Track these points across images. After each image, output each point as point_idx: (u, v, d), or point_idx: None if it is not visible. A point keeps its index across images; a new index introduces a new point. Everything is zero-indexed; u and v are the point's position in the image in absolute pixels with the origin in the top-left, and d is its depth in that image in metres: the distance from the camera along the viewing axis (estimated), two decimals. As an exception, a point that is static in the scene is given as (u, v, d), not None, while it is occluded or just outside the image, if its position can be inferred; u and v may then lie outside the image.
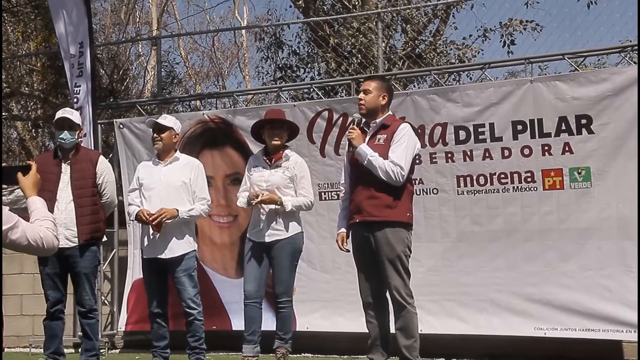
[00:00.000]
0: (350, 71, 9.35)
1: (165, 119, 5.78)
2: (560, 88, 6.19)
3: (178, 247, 5.58)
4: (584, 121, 6.11)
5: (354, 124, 4.93)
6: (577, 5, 10.07)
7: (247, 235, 5.67)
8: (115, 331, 7.95)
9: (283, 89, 8.34)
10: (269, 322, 5.89)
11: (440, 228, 6.64)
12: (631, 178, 5.94)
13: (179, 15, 23.50)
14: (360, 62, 9.55)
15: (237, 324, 6.74)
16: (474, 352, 6.52)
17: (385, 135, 4.83)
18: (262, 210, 5.51)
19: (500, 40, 10.68)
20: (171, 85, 15.14)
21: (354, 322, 6.12)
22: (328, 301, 6.96)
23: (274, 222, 5.51)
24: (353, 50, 9.78)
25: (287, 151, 5.63)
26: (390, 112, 5.02)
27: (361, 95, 4.94)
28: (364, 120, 4.97)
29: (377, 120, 4.90)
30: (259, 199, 5.41)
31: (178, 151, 5.84)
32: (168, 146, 5.71)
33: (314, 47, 11.14)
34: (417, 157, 5.07)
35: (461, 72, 9.52)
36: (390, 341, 4.96)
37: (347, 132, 4.96)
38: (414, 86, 10.11)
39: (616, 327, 6.01)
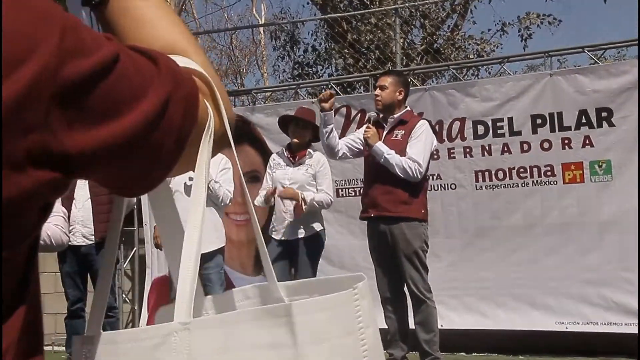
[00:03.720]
0: (368, 67, 9.33)
1: None
2: (580, 81, 6.16)
3: (210, 243, 5.58)
4: (604, 114, 6.07)
5: (370, 123, 4.93)
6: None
7: (270, 234, 5.68)
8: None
9: (301, 85, 8.34)
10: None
11: (459, 223, 6.63)
12: (652, 170, 5.90)
13: (197, 14, 23.55)
14: (378, 57, 9.53)
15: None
16: (495, 347, 6.48)
17: (403, 131, 4.83)
18: (283, 207, 5.50)
19: (518, 35, 10.62)
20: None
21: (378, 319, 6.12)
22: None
23: (297, 220, 5.51)
24: (371, 46, 9.75)
25: (310, 149, 5.63)
26: (408, 108, 5.02)
27: (377, 91, 4.95)
28: (381, 115, 4.96)
29: (395, 116, 4.90)
30: (278, 193, 5.40)
31: None
32: None
33: (331, 44, 11.13)
34: (433, 153, 5.06)
35: (480, 67, 9.48)
36: (409, 336, 4.96)
37: (364, 130, 4.95)
38: (432, 81, 10.07)
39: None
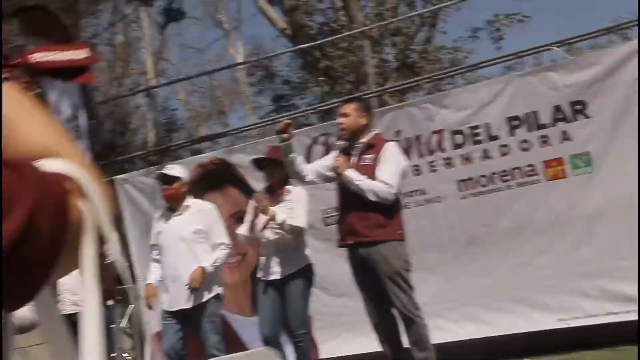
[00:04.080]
0: (344, 92, 9.40)
1: (172, 169, 5.85)
2: (552, 78, 6.21)
3: (199, 295, 5.61)
4: (579, 107, 6.12)
5: (338, 152, 4.96)
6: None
7: (258, 275, 5.69)
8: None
9: (276, 120, 8.38)
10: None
11: (449, 235, 6.63)
12: (632, 157, 5.92)
13: (174, 60, 23.68)
14: (353, 81, 9.60)
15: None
16: (500, 352, 6.44)
17: (373, 155, 4.87)
18: (268, 244, 5.55)
19: (491, 38, 10.73)
20: (173, 132, 15.22)
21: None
22: (348, 324, 6.91)
23: (283, 258, 5.53)
24: (345, 71, 9.83)
25: (288, 186, 5.66)
26: (376, 131, 5.06)
27: (341, 119, 4.99)
28: (347, 144, 5.00)
29: (363, 141, 4.94)
30: (260, 206, 5.43)
31: (188, 198, 5.86)
32: (179, 196, 5.75)
33: (306, 74, 11.22)
34: (405, 173, 5.10)
35: (454, 76, 9.54)
36: (407, 356, 4.94)
37: (333, 159, 4.97)
38: (411, 96, 10.13)
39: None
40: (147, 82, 19.82)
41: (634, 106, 5.93)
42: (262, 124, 7.66)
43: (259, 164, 5.89)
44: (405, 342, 4.94)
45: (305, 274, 5.59)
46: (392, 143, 5.00)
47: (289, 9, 11.10)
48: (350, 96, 7.28)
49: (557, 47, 6.53)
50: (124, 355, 7.91)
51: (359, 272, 4.92)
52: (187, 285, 5.60)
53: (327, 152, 6.94)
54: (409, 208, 6.65)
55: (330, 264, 6.89)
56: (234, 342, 7.21)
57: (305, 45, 9.15)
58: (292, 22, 11.01)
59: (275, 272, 5.53)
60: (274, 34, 11.71)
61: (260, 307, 5.64)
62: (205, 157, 7.78)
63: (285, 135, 4.90)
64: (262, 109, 12.37)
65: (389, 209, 4.79)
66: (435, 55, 10.68)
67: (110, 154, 11.98)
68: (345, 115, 4.96)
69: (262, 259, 5.65)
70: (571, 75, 6.15)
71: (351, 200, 4.84)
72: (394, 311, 4.85)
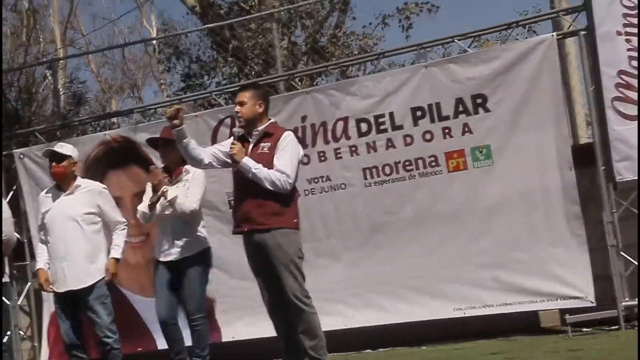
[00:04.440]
0: (253, 73, 9.30)
1: (62, 147, 5.67)
2: (454, 70, 6.26)
3: (88, 276, 5.48)
4: (479, 100, 6.19)
5: (234, 139, 4.88)
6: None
7: (155, 255, 5.60)
8: (37, 366, 7.71)
9: (183, 100, 8.22)
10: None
11: (353, 222, 6.65)
12: (530, 151, 6.07)
13: (85, 30, 22.97)
14: (262, 63, 9.50)
15: (162, 343, 6.60)
16: (399, 340, 6.55)
17: (270, 144, 4.81)
18: (164, 225, 5.48)
19: (399, 25, 10.78)
20: (81, 105, 14.78)
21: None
22: (251, 308, 6.82)
23: (180, 239, 5.47)
24: (254, 52, 9.71)
25: (186, 166, 5.55)
26: (272, 120, 5.00)
27: (237, 107, 4.90)
28: (243, 131, 4.92)
29: (259, 129, 4.88)
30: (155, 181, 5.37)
31: (79, 178, 5.71)
32: (68, 175, 5.59)
33: (216, 53, 11.04)
34: (299, 163, 5.06)
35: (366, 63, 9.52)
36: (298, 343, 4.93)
37: (229, 147, 4.89)
38: (321, 80, 10.11)
39: (532, 298, 6.14)
40: (54, 52, 19.23)
41: (533, 101, 6.04)
42: (167, 103, 7.48)
43: (153, 143, 5.79)
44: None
45: (202, 257, 5.55)
46: (288, 132, 4.94)
47: (197, -15, 10.90)
48: (250, 81, 7.19)
49: (459, 40, 6.56)
50: (20, 332, 7.68)
51: (254, 259, 4.88)
52: (103, 277, 5.54)
53: (232, 134, 6.85)
54: (313, 194, 6.68)
55: (234, 247, 6.76)
56: (136, 323, 7.11)
57: (214, 24, 8.97)
58: (201, 0, 10.80)
59: (172, 253, 5.48)
60: (184, 11, 11.56)
61: (157, 289, 5.57)
62: (109, 133, 7.56)
63: (176, 122, 4.78)
64: (173, 86, 12.15)
65: (285, 197, 4.76)
66: (344, 41, 10.65)
67: (14, 126, 11.53)
68: (241, 103, 4.88)
69: (158, 239, 5.59)
70: (473, 69, 6.21)
71: (247, 188, 4.77)
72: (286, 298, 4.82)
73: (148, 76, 24.85)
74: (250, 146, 4.84)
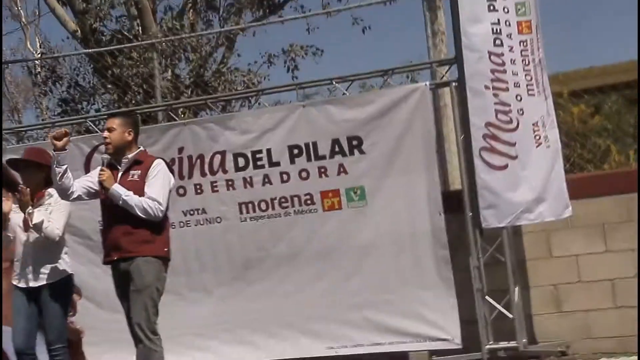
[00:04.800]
0: (133, 102, 9.18)
1: None
2: (331, 111, 6.37)
3: None
4: (355, 142, 6.30)
5: (103, 165, 4.80)
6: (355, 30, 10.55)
7: (13, 281, 5.35)
8: None
9: (57, 123, 8.01)
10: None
11: (227, 256, 6.62)
12: (402, 194, 6.23)
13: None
14: (143, 92, 9.40)
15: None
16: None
17: (140, 171, 4.77)
18: (24, 248, 5.28)
19: (285, 66, 10.94)
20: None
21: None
22: (119, 341, 6.66)
23: (40, 266, 5.25)
24: (136, 81, 9.60)
25: (50, 190, 5.38)
26: (141, 148, 4.95)
27: (105, 133, 4.86)
28: (112, 158, 4.85)
29: (129, 156, 4.83)
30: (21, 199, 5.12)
31: None
32: None
33: (96, 79, 10.85)
34: (170, 192, 5.02)
35: (250, 99, 9.57)
36: None
37: (99, 173, 4.79)
38: (205, 115, 10.06)
39: (401, 339, 6.24)
40: None
41: (406, 146, 6.21)
42: (39, 126, 7.30)
43: (14, 164, 5.55)
44: None
45: (63, 285, 5.35)
46: (159, 160, 4.91)
47: (79, 12, 10.69)
48: (120, 110, 7.09)
49: (337, 82, 6.70)
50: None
51: (120, 287, 4.81)
52: None
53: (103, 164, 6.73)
54: (188, 227, 6.62)
55: (105, 277, 6.56)
56: (-1, 354, 6.78)
57: (93, 50, 8.82)
58: (82, 25, 10.60)
59: (31, 279, 5.26)
60: (65, 35, 11.30)
61: (14, 316, 5.31)
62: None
63: (59, 144, 4.66)
64: (51, 110, 11.79)
65: (156, 225, 4.71)
66: (228, 77, 10.68)
67: None
68: (110, 129, 4.81)
69: (18, 264, 5.34)
70: (350, 111, 6.33)
71: (116, 216, 4.71)
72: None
73: (30, 100, 24.02)
74: (120, 174, 4.77)
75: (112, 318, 6.67)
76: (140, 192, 4.66)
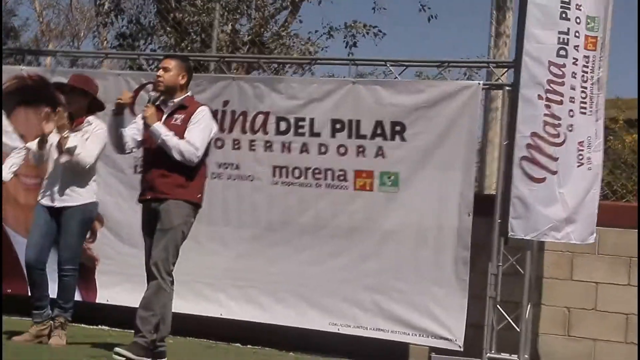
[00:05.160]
0: (190, 48, 9.23)
1: None
2: (380, 93, 6.33)
3: None
4: (398, 128, 6.28)
5: (149, 102, 4.84)
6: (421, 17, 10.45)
7: (38, 198, 5.47)
8: None
9: (109, 55, 8.10)
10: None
11: (252, 215, 6.66)
12: (435, 188, 6.20)
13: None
14: (201, 41, 9.45)
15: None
16: (269, 341, 6.56)
17: (183, 116, 4.81)
18: (54, 170, 5.36)
19: (344, 41, 10.91)
20: (9, 38, 14.28)
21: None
22: (132, 275, 6.76)
23: (66, 188, 5.34)
24: (194, 28, 9.63)
25: (90, 117, 5.47)
26: (189, 93, 4.98)
27: (160, 72, 4.89)
28: (161, 98, 4.89)
29: (175, 100, 4.87)
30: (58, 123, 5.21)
31: None
32: None
33: (158, 20, 10.90)
34: (211, 141, 5.06)
35: (304, 67, 9.57)
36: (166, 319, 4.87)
37: (142, 109, 4.85)
38: (258, 74, 10.10)
39: (404, 330, 6.26)
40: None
41: (448, 141, 6.17)
42: (92, 54, 7.35)
43: (61, 88, 5.68)
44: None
45: (86, 211, 5.45)
46: (204, 107, 4.94)
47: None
48: (178, 54, 7.13)
49: (391, 65, 6.66)
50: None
51: (148, 223, 4.86)
52: None
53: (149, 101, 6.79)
54: (220, 179, 6.65)
55: (130, 212, 6.79)
56: (12, 264, 6.87)
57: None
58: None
59: (56, 199, 5.36)
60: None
61: (31, 230, 5.46)
62: (26, 69, 7.37)
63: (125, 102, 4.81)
64: (108, 42, 11.91)
65: (191, 170, 4.75)
66: (287, 42, 10.66)
67: None
68: (165, 69, 4.86)
69: (46, 182, 5.45)
70: (398, 96, 6.29)
71: (155, 158, 4.76)
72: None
73: (92, 29, 24.27)
74: (164, 116, 4.81)
75: (129, 252, 6.82)
76: (181, 136, 4.70)
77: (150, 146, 4.81)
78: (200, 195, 4.85)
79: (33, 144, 5.47)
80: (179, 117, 4.80)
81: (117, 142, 4.96)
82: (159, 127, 4.69)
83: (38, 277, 5.40)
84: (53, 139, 5.36)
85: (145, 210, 4.92)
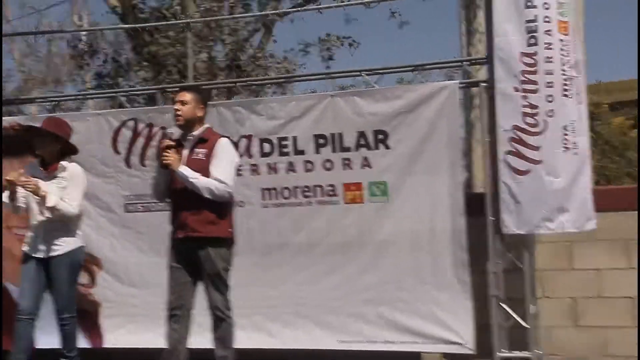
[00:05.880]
0: (167, 80, 9.24)
1: None
2: (358, 103, 6.30)
3: None
4: (381, 136, 6.24)
5: (166, 139, 4.88)
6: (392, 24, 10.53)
7: (22, 247, 5.45)
8: None
9: (88, 96, 8.09)
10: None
11: (248, 241, 6.57)
12: (424, 193, 6.16)
13: (11, 16, 22.32)
14: (178, 71, 9.46)
15: (43, 341, 6.28)
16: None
17: (205, 150, 4.83)
18: (37, 221, 5.34)
19: (319, 55, 10.96)
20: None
21: (162, 337, 5.98)
22: (134, 316, 6.79)
23: (52, 238, 5.34)
24: (170, 60, 9.65)
25: (64, 162, 5.44)
26: (207, 125, 4.98)
27: (177, 105, 4.89)
28: (175, 134, 4.92)
29: (195, 134, 4.88)
30: (22, 182, 5.14)
31: None
32: None
33: (131, 56, 10.93)
34: (236, 170, 5.15)
35: (283, 86, 9.61)
36: (187, 355, 4.94)
37: (162, 154, 4.84)
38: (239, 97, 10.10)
39: (414, 339, 6.19)
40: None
41: (431, 144, 6.14)
42: (71, 97, 7.39)
43: (32, 132, 5.61)
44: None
45: (74, 256, 5.44)
46: (225, 139, 4.97)
47: (119, -14, 10.80)
48: (188, 84, 7.14)
49: (367, 74, 6.63)
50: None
51: (181, 262, 4.89)
52: None
53: (133, 137, 6.78)
54: (211, 209, 6.60)
55: (126, 252, 6.79)
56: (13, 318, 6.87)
57: (128, 26, 8.87)
58: (123, 1, 10.69)
59: (43, 250, 5.35)
60: (104, 9, 11.47)
61: (23, 279, 5.42)
62: (7, 120, 7.36)
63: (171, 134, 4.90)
64: (81, 84, 11.95)
65: (221, 206, 4.81)
66: (264, 62, 10.70)
67: None
68: (182, 102, 4.84)
69: (30, 232, 5.43)
70: (376, 105, 6.26)
71: (184, 195, 4.78)
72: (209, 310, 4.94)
73: (73, 73, 24.31)
74: (185, 151, 4.81)
75: (128, 292, 6.81)
76: (205, 170, 4.73)
77: (177, 186, 4.83)
78: (231, 229, 4.92)
79: (4, 196, 5.38)
80: (200, 152, 4.82)
81: (160, 194, 5.03)
82: (185, 170, 4.72)
83: (27, 327, 5.33)
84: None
85: (175, 246, 4.93)
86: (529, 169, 5.78)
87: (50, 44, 22.43)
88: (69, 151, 5.55)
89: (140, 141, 6.79)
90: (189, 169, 4.72)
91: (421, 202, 6.17)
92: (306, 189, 6.43)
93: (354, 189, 6.32)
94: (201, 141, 4.86)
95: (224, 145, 4.86)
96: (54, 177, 5.38)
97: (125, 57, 11.24)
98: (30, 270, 5.37)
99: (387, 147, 6.24)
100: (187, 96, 4.90)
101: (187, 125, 4.88)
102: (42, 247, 5.34)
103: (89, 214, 6.77)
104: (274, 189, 6.51)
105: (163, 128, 6.63)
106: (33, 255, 5.37)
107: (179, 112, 4.85)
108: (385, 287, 6.24)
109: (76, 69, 12.44)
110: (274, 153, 6.50)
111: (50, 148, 5.39)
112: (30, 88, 22.12)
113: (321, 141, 6.38)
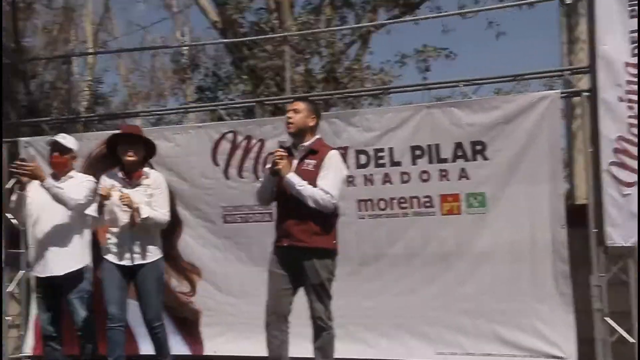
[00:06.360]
0: (266, 93, 9.40)
1: (65, 139, 5.74)
2: (456, 114, 6.27)
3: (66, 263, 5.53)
4: (478, 147, 6.20)
5: (280, 147, 4.95)
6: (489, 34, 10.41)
7: (105, 255, 5.54)
8: (20, 355, 7.71)
9: (189, 109, 8.31)
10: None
11: (344, 252, 6.57)
12: (522, 203, 6.06)
13: (118, 33, 23.23)
14: (276, 84, 9.62)
15: (146, 347, 6.47)
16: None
17: (315, 162, 4.87)
18: (123, 230, 5.43)
19: (416, 66, 10.93)
20: (98, 105, 14.94)
21: (261, 345, 6.09)
22: (233, 324, 6.92)
23: (137, 246, 5.45)
24: (268, 73, 9.82)
25: (146, 169, 5.57)
26: (318, 136, 5.06)
27: (290, 114, 4.96)
28: (289, 143, 5.02)
29: (305, 144, 4.94)
30: (114, 196, 5.27)
31: (73, 171, 5.78)
32: (67, 167, 5.68)
33: (233, 69, 11.18)
34: (343, 184, 5.17)
35: (381, 97, 9.61)
36: None
37: (273, 158, 4.90)
38: (336, 109, 10.21)
39: (513, 352, 6.09)
40: (84, 50, 19.42)
41: (531, 155, 6.04)
42: (173, 111, 7.58)
43: (125, 139, 5.56)
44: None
45: (159, 267, 5.56)
46: (334, 151, 5.02)
47: (219, 2, 11.05)
48: (299, 95, 7.26)
49: (465, 85, 6.58)
50: (7, 318, 7.68)
51: (284, 269, 4.92)
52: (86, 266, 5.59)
53: (232, 149, 6.93)
54: (308, 220, 6.68)
55: (225, 262, 6.92)
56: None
57: (228, 40, 9.09)
58: (223, 16, 10.96)
59: (127, 258, 5.43)
60: (206, 25, 11.74)
61: (107, 287, 5.45)
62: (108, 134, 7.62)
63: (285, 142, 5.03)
64: (182, 97, 12.30)
65: (326, 217, 4.84)
66: (360, 74, 10.74)
67: (30, 115, 11.66)
68: (295, 111, 4.94)
69: (114, 241, 5.47)
70: (474, 115, 6.21)
71: (290, 204, 4.84)
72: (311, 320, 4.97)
73: (175, 87, 25.05)
74: (295, 161, 4.89)
75: (227, 301, 6.94)
76: (313, 182, 4.77)
77: (284, 193, 4.88)
78: (335, 241, 4.95)
79: (92, 210, 5.49)
80: (310, 163, 4.87)
81: (265, 200, 5.11)
82: (293, 177, 4.77)
83: (119, 335, 5.43)
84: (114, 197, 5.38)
85: (278, 253, 4.98)
86: (634, 180, 5.62)
87: (154, 59, 23.23)
88: (149, 156, 5.68)
89: (239, 153, 6.92)
90: (297, 176, 4.78)
91: (520, 213, 6.08)
92: (402, 200, 6.42)
93: (451, 200, 6.28)
94: (311, 152, 4.92)
95: (332, 157, 4.90)
96: (138, 184, 5.48)
97: (225, 70, 11.50)
98: (115, 278, 5.45)
99: (485, 158, 6.18)
100: (300, 105, 4.98)
101: (299, 133, 4.94)
102: (127, 255, 5.43)
103: (189, 224, 6.99)
104: (370, 200, 6.52)
105: (261, 140, 6.77)
106: (118, 263, 5.46)
107: (291, 120, 4.92)
108: (483, 299, 6.17)
109: (178, 83, 12.83)
110: (370, 164, 6.53)
111: (140, 154, 5.51)
112: (135, 102, 22.91)
113: (418, 152, 6.37)
